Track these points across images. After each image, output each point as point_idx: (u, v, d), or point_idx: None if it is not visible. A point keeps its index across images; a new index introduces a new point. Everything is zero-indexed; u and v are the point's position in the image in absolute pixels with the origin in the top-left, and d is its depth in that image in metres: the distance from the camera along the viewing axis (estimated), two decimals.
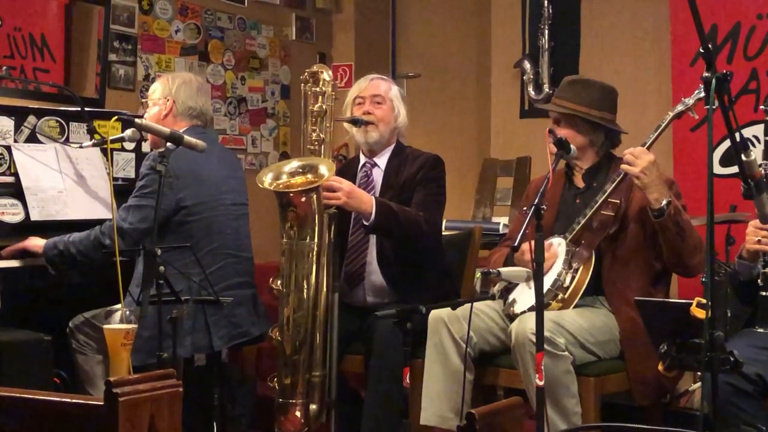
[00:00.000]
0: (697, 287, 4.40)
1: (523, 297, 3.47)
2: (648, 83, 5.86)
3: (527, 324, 3.21)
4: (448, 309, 3.45)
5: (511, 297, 3.53)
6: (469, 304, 3.32)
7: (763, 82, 5.04)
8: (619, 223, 3.48)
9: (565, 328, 3.31)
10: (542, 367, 2.88)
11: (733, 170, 3.93)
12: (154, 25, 5.53)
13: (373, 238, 3.89)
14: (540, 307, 2.89)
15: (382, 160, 3.99)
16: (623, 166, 3.37)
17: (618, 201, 3.47)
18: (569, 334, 3.31)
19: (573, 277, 3.41)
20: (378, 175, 3.98)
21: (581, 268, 3.42)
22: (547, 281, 3.33)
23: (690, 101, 3.41)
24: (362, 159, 4.05)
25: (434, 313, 3.48)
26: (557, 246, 3.46)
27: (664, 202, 3.32)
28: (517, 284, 3.54)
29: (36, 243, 3.82)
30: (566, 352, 3.27)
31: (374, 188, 3.95)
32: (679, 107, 3.44)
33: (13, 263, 3.82)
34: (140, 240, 3.67)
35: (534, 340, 2.95)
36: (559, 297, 3.40)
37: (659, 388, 3.45)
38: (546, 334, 3.10)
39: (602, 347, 3.42)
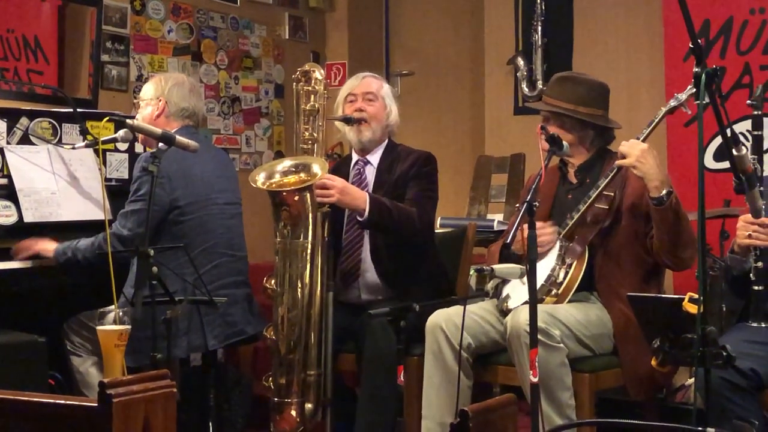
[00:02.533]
0: (692, 282, 4.41)
1: (517, 292, 3.47)
2: (641, 79, 5.87)
3: (521, 316, 3.21)
4: (445, 314, 3.46)
5: (504, 292, 3.54)
6: (462, 305, 3.32)
7: (756, 77, 5.05)
8: (613, 217, 3.49)
9: (560, 320, 3.31)
10: (536, 363, 2.88)
11: (727, 165, 3.94)
12: (146, 25, 5.53)
13: (367, 236, 3.90)
14: (533, 304, 2.90)
15: (374, 158, 4.00)
16: (618, 162, 3.37)
17: (612, 194, 3.47)
18: (564, 327, 3.31)
19: (566, 273, 3.41)
20: (370, 173, 3.99)
21: (575, 263, 3.42)
22: (541, 277, 3.32)
23: (683, 96, 3.40)
24: (354, 157, 4.06)
25: (431, 320, 3.49)
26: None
27: (665, 192, 3.30)
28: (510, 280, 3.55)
29: (47, 247, 3.85)
30: (561, 344, 3.27)
31: (367, 186, 3.95)
32: (672, 103, 3.43)
33: (16, 264, 3.83)
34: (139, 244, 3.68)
35: (527, 330, 2.96)
36: (553, 292, 3.40)
37: (653, 383, 3.46)
38: (541, 325, 3.10)
39: (596, 341, 3.43)
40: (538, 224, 3.33)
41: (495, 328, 3.53)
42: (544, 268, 3.40)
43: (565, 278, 3.41)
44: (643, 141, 3.39)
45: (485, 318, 3.54)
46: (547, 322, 3.24)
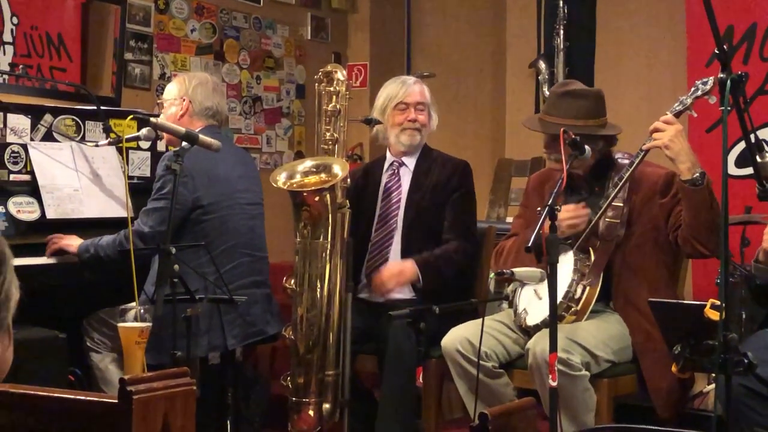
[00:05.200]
0: (712, 289, 4.40)
1: (534, 306, 3.45)
2: (663, 84, 5.85)
3: (543, 347, 3.17)
4: (459, 335, 3.45)
5: (521, 307, 3.51)
6: (478, 321, 3.30)
7: None
8: (626, 227, 3.45)
9: (581, 344, 3.28)
10: (555, 368, 2.87)
11: (749, 171, 3.93)
12: (169, 24, 5.55)
13: (398, 235, 3.94)
14: (553, 309, 2.89)
15: (410, 161, 4.04)
16: (654, 135, 3.27)
17: (621, 204, 3.44)
18: (585, 351, 3.28)
19: (584, 288, 3.37)
20: (405, 174, 4.02)
21: (591, 279, 3.39)
22: (558, 292, 3.28)
23: (688, 100, 3.31)
24: (389, 158, 4.07)
25: (445, 346, 3.48)
26: (563, 253, 3.39)
27: (698, 172, 3.25)
28: (525, 291, 3.52)
29: (72, 243, 3.87)
30: (582, 370, 3.25)
31: (401, 187, 3.99)
32: (677, 107, 3.34)
33: (37, 260, 3.85)
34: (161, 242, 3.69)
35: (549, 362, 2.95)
36: (572, 309, 3.36)
37: (678, 397, 3.44)
38: (561, 355, 3.07)
39: (618, 354, 3.40)
40: (568, 207, 3.31)
41: (512, 338, 3.51)
42: (560, 282, 3.33)
43: (582, 294, 3.38)
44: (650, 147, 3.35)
45: (502, 331, 3.53)
46: (567, 348, 3.21)
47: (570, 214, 3.39)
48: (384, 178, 4.02)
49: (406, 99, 3.99)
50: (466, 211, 4.01)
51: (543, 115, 3.65)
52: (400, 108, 3.99)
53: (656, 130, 3.28)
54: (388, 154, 4.10)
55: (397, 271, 3.84)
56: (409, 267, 3.86)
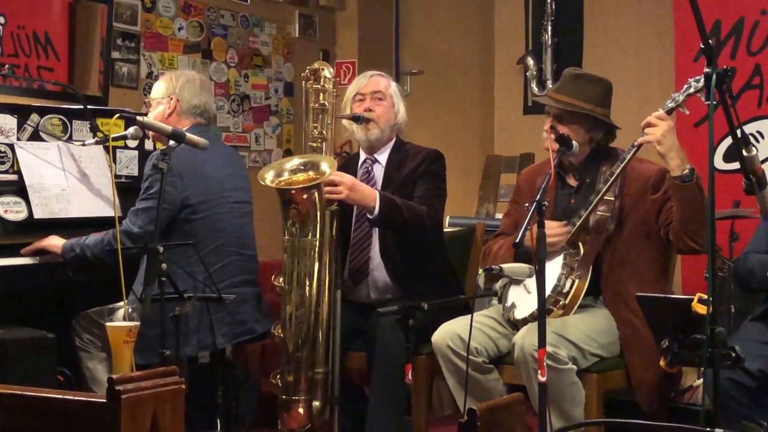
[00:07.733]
0: (701, 284, 4.40)
1: (523, 301, 3.44)
2: (651, 79, 5.86)
3: (529, 341, 3.19)
4: (447, 331, 3.45)
5: (509, 300, 3.51)
6: (468, 317, 3.30)
7: (766, 78, 5.03)
8: (616, 222, 3.46)
9: (568, 338, 3.29)
10: (544, 363, 2.87)
11: (736, 166, 3.94)
12: (156, 22, 5.53)
13: (376, 235, 3.90)
14: (542, 305, 2.89)
15: (382, 157, 4.00)
16: (647, 130, 3.28)
17: (612, 198, 3.44)
18: (572, 345, 3.29)
19: (572, 282, 3.38)
20: (379, 172, 3.99)
21: (581, 272, 3.39)
22: (547, 286, 3.29)
23: (680, 97, 3.31)
24: (362, 156, 4.06)
25: (435, 342, 3.48)
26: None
27: (688, 169, 3.26)
28: (513, 285, 3.52)
29: (55, 243, 3.85)
30: (569, 364, 3.25)
31: (375, 184, 3.95)
32: (669, 104, 3.34)
33: (26, 260, 3.84)
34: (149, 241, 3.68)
35: (535, 356, 2.95)
36: (560, 303, 3.37)
37: (662, 392, 3.44)
38: (548, 349, 3.08)
39: (605, 348, 3.41)
40: (550, 224, 3.32)
41: (502, 333, 3.52)
42: (549, 276, 3.32)
43: (571, 288, 3.38)
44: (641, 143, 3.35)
45: (491, 326, 3.53)
46: (555, 343, 3.21)
47: (551, 232, 3.36)
48: (358, 177, 3.95)
49: (363, 90, 3.98)
50: (431, 188, 3.89)
51: (553, 93, 3.64)
52: (358, 99, 3.98)
53: (648, 125, 3.29)
54: (361, 152, 4.09)
55: (352, 182, 3.72)
56: (369, 188, 3.79)
